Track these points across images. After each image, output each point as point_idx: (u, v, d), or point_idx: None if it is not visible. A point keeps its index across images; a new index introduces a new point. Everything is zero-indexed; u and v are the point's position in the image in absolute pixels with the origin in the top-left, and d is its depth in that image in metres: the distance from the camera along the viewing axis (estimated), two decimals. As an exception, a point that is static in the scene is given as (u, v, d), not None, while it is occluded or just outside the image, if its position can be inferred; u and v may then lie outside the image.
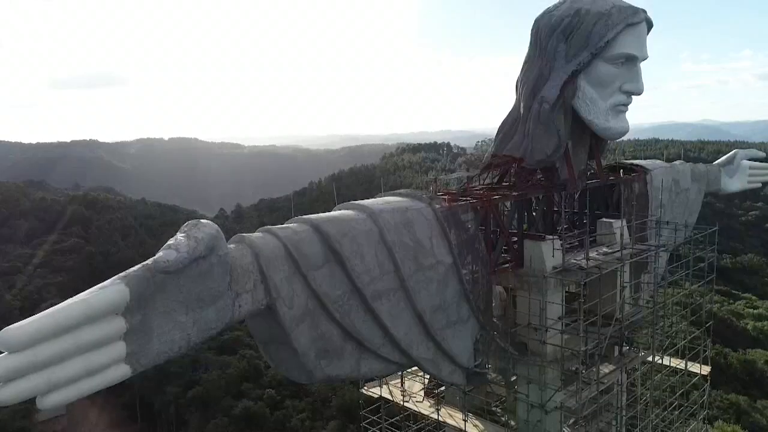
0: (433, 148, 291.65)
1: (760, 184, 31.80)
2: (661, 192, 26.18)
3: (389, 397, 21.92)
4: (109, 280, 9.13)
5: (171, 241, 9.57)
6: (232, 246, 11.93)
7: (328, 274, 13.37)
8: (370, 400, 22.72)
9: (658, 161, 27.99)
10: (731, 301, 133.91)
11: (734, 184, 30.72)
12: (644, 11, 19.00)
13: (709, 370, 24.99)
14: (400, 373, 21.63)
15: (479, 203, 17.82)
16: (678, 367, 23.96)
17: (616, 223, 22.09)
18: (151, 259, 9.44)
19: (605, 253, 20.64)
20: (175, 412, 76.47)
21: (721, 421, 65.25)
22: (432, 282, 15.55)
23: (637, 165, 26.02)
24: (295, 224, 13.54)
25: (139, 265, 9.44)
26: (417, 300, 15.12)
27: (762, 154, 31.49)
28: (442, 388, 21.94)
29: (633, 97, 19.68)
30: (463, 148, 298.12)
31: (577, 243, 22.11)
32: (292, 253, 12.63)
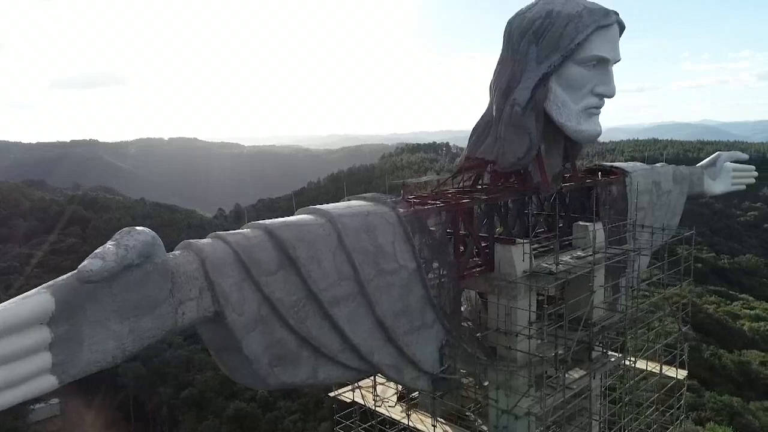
0: (432, 148, 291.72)
1: (744, 187, 31.59)
2: (641, 194, 26.10)
3: (361, 401, 21.74)
4: (34, 290, 8.98)
5: (98, 250, 9.41)
6: (176, 252, 11.77)
7: (283, 280, 13.20)
8: (344, 404, 22.57)
9: (638, 163, 27.81)
10: (728, 302, 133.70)
11: (717, 186, 30.52)
12: (616, 13, 18.82)
13: (685, 374, 24.76)
14: (372, 377, 21.48)
15: (447, 207, 17.65)
16: (653, 371, 23.71)
17: (592, 226, 21.93)
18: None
19: (578, 257, 20.47)
20: (168, 412, 76.40)
21: (713, 423, 65.03)
22: (394, 287, 15.38)
23: (616, 167, 25.86)
24: (248, 229, 13.39)
25: (68, 274, 9.28)
26: (378, 305, 14.95)
27: (745, 156, 31.29)
28: (416, 393, 21.79)
29: (608, 99, 19.52)
30: (461, 149, 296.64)
31: (551, 247, 22.01)
32: (243, 259, 12.46)
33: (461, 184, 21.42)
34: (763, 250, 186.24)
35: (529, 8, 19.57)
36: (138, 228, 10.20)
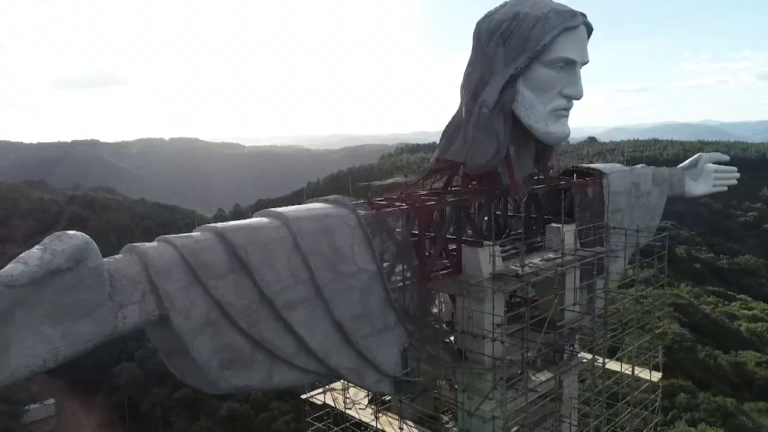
0: (432, 148, 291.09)
1: (725, 188, 31.46)
2: (619, 196, 26.04)
3: (333, 404, 21.72)
4: None
5: (23, 254, 9.38)
6: (118, 256, 11.74)
7: (234, 283, 13.14)
8: (317, 406, 22.54)
9: (617, 165, 27.75)
10: (726, 302, 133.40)
11: (698, 187, 30.44)
12: (583, 15, 18.76)
13: (660, 376, 24.65)
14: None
15: (410, 209, 17.61)
16: (626, 372, 23.62)
17: (564, 228, 21.87)
18: None
19: (548, 259, 20.41)
20: (162, 413, 76.47)
21: (705, 424, 64.86)
22: (353, 290, 15.32)
23: (593, 169, 25.80)
24: (198, 233, 13.34)
25: None
26: (335, 308, 14.88)
27: (726, 158, 31.16)
28: (388, 395, 21.74)
29: (576, 101, 19.44)
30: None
31: (524, 249, 21.94)
32: (190, 263, 12.41)
33: (431, 186, 21.38)
34: (763, 250, 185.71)
35: (497, 10, 19.53)
36: (69, 232, 10.17)
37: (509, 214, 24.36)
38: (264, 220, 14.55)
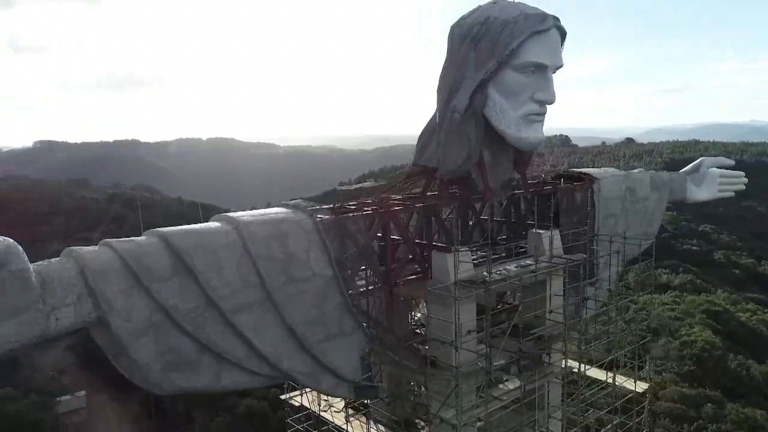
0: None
1: (732, 194, 30.42)
2: (611, 201, 25.48)
3: (310, 406, 21.91)
4: None
5: None
6: (54, 260, 12.15)
7: (178, 287, 13.44)
8: (296, 407, 22.77)
9: (611, 169, 27.20)
10: (766, 310, 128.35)
11: (702, 193, 29.51)
12: (554, 18, 18.43)
13: (646, 387, 23.96)
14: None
15: (373, 214, 17.63)
16: (607, 382, 23.06)
17: (546, 234, 21.55)
18: None
19: (524, 265, 20.14)
20: (184, 409, 78.02)
21: (730, 436, 62.67)
22: (306, 295, 15.44)
23: (584, 173, 25.33)
24: (143, 237, 13.68)
25: None
26: (287, 313, 15.04)
27: (731, 162, 30.12)
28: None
29: (549, 105, 19.13)
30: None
31: (503, 254, 21.73)
32: (131, 266, 12.75)
33: (410, 191, 21.29)
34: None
35: (470, 14, 19.38)
36: (-7, 238, 10.58)
37: (496, 219, 24.14)
38: (215, 224, 14.81)
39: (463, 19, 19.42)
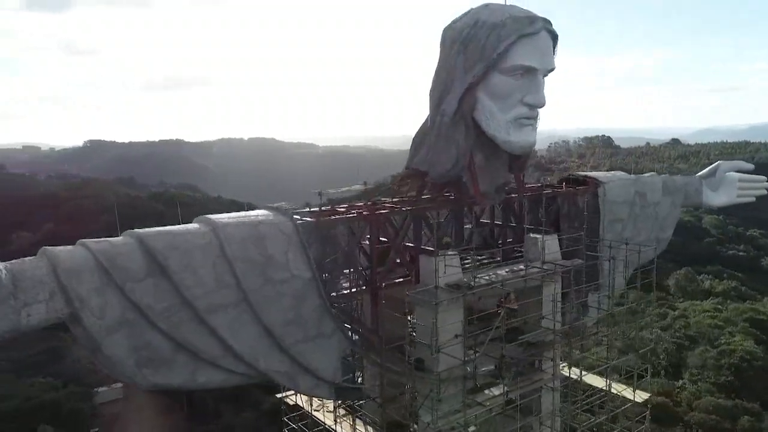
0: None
1: (753, 198, 29.25)
2: (618, 205, 24.93)
3: (303, 405, 22.19)
4: None
5: None
6: (27, 258, 12.72)
7: (153, 286, 13.88)
8: (292, 406, 23.09)
9: (619, 173, 26.59)
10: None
11: (719, 198, 28.50)
12: (544, 21, 18.15)
13: (647, 396, 23.22)
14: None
15: (358, 217, 17.76)
16: (614, 390, 22.51)
17: (542, 239, 21.22)
18: None
19: (514, 270, 19.91)
20: (213, 404, 79.80)
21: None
22: (284, 296, 15.70)
23: (589, 177, 24.85)
24: (119, 237, 14.17)
25: None
26: (264, 314, 15.34)
27: (750, 166, 28.98)
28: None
29: (539, 109, 18.87)
30: (534, 150, 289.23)
31: (498, 258, 21.55)
32: (105, 266, 13.24)
33: (404, 194, 21.30)
34: None
35: (461, 17, 19.30)
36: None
37: (496, 223, 23.91)
38: (193, 226, 15.22)
39: (454, 22, 19.35)
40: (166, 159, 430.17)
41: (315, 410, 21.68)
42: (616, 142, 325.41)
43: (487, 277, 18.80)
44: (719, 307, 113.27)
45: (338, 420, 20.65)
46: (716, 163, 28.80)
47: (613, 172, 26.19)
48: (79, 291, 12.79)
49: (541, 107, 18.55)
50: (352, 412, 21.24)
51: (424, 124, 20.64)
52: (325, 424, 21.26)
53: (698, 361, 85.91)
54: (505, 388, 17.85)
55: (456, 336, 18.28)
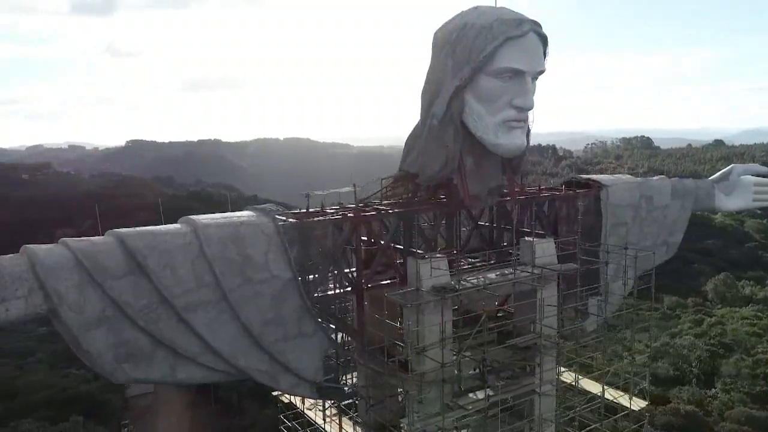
0: (537, 150, 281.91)
1: (769, 203, 28.30)
2: (622, 209, 24.48)
3: (298, 404, 22.51)
4: None
5: None
6: (6, 256, 13.31)
7: (132, 284, 14.35)
8: (287, 405, 23.44)
9: (625, 176, 26.06)
10: None
11: (733, 202, 27.66)
12: (532, 23, 17.97)
13: (644, 404, 22.64)
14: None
15: (343, 219, 17.94)
16: (608, 396, 22.10)
17: (538, 242, 21.04)
18: None
19: (504, 274, 19.79)
20: (237, 400, 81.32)
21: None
22: (263, 296, 16.00)
23: (592, 180, 24.46)
24: (100, 237, 14.68)
25: None
26: (243, 313, 15.67)
27: (765, 170, 27.98)
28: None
29: (528, 111, 18.71)
30: (569, 151, 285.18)
31: (492, 262, 21.46)
32: (84, 264, 13.76)
33: (399, 197, 21.34)
34: None
35: (452, 19, 19.29)
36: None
37: (494, 225, 23.76)
38: (174, 226, 15.66)
39: (445, 24, 19.36)
40: (204, 158, 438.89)
41: (308, 409, 21.97)
42: (656, 143, 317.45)
43: (474, 281, 18.76)
44: (759, 314, 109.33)
45: (328, 420, 20.87)
46: (730, 166, 27.96)
47: (617, 175, 25.67)
48: (57, 287, 13.33)
49: (529, 110, 18.42)
50: (342, 412, 21.43)
51: (416, 126, 20.69)
52: (316, 423, 21.52)
53: (732, 369, 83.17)
54: (488, 392, 17.71)
55: (443, 339, 18.30)
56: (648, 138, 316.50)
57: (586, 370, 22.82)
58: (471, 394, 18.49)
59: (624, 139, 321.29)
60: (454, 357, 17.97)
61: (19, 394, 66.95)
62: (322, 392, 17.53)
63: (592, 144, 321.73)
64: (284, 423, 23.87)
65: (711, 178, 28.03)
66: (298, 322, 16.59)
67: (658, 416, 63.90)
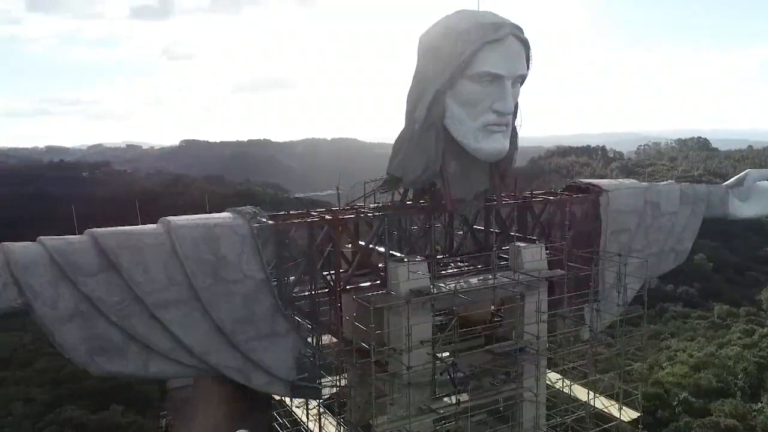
0: (586, 151, 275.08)
1: (786, 209, 26.94)
2: (625, 215, 23.88)
3: (287, 401, 22.95)
4: None
5: None
6: (-15, 254, 14.23)
7: (105, 281, 15.09)
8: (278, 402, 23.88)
9: (628, 181, 25.43)
10: None
11: (749, 208, 26.48)
12: (512, 27, 17.79)
13: (636, 415, 21.92)
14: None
15: (320, 222, 18.26)
16: (599, 405, 21.59)
17: (525, 247, 20.82)
18: None
19: (485, 279, 19.68)
20: (265, 395, 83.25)
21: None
22: (235, 295, 16.49)
23: (592, 185, 23.95)
24: (76, 236, 15.47)
25: None
26: (214, 311, 16.21)
27: (784, 175, 26.65)
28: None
29: (507, 115, 18.52)
30: (620, 152, 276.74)
31: (479, 266, 21.37)
32: (58, 261, 14.57)
33: (392, 199, 21.44)
34: None
35: (436, 24, 19.31)
36: None
37: (486, 230, 23.58)
38: (149, 226, 16.34)
39: (429, 29, 19.39)
40: (254, 158, 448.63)
41: (296, 407, 22.39)
42: (714, 144, 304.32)
43: (453, 285, 18.72)
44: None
45: (312, 418, 21.21)
46: (745, 172, 26.79)
47: (620, 180, 25.04)
48: (31, 283, 14.18)
49: (509, 114, 18.26)
50: (329, 411, 21.72)
51: (402, 130, 20.80)
52: (302, 420, 21.91)
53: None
54: (458, 397, 17.68)
55: (422, 342, 18.37)
56: (705, 139, 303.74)
57: (581, 377, 22.36)
58: (447, 399, 18.48)
59: (679, 140, 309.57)
60: (430, 361, 17.98)
61: (65, 383, 70.19)
62: (296, 391, 17.90)
63: (644, 145, 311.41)
64: (277, 420, 24.32)
65: (725, 183, 26.92)
66: (271, 322, 17.01)
67: (696, 429, 61.51)
